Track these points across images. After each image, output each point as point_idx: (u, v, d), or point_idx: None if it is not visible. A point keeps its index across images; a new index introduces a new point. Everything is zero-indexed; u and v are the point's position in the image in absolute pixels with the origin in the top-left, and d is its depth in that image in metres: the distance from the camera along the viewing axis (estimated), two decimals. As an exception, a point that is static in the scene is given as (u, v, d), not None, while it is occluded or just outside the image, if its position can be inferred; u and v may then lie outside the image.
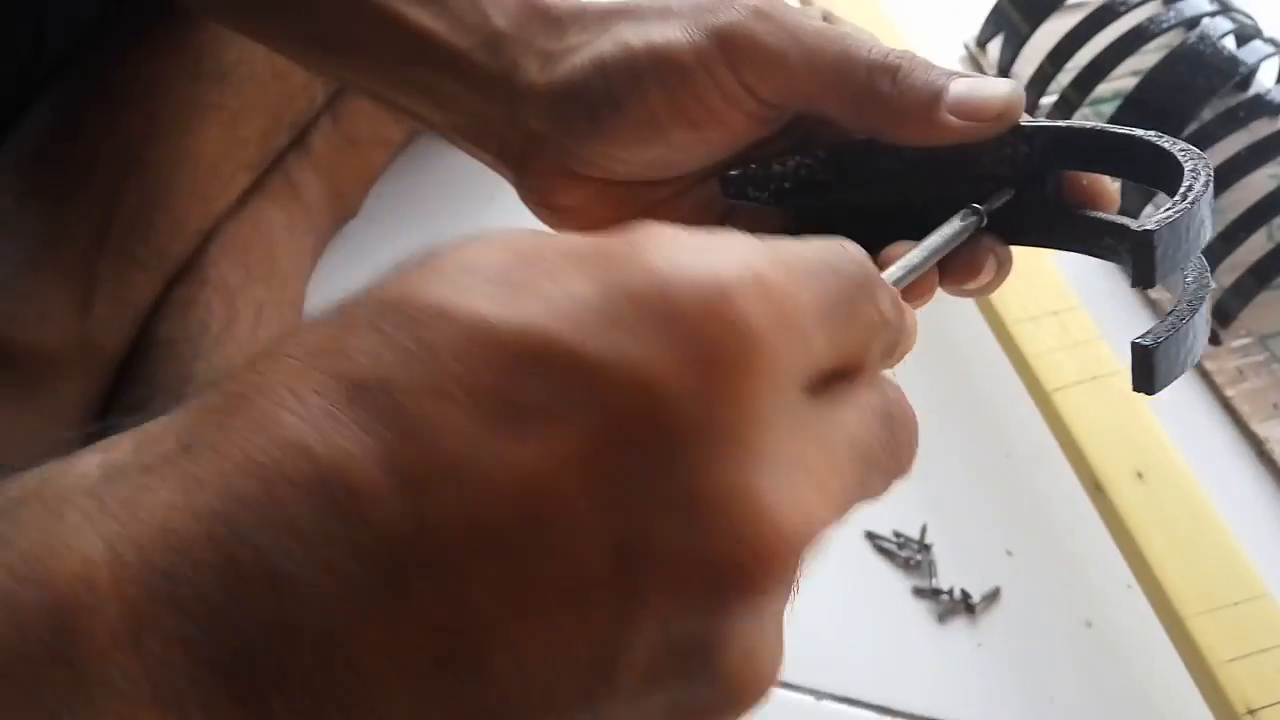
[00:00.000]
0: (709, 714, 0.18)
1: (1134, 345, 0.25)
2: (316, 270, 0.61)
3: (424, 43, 0.35)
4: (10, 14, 0.52)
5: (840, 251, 0.21)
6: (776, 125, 0.33)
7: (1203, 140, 0.58)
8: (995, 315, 0.52)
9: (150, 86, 0.52)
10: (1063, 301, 0.51)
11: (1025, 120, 0.31)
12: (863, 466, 0.20)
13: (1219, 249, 0.56)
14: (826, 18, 0.33)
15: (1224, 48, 0.60)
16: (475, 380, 0.17)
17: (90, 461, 0.17)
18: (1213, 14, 0.62)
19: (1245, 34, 0.62)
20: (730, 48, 0.31)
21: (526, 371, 0.17)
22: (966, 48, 0.72)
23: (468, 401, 0.17)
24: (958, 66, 0.71)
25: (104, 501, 0.17)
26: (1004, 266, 0.31)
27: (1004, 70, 0.69)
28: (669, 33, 0.31)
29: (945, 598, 0.47)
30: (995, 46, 0.70)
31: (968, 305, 0.55)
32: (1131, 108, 0.61)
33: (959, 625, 0.47)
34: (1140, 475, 0.45)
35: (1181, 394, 0.54)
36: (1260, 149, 0.57)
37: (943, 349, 0.56)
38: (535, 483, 0.16)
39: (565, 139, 0.33)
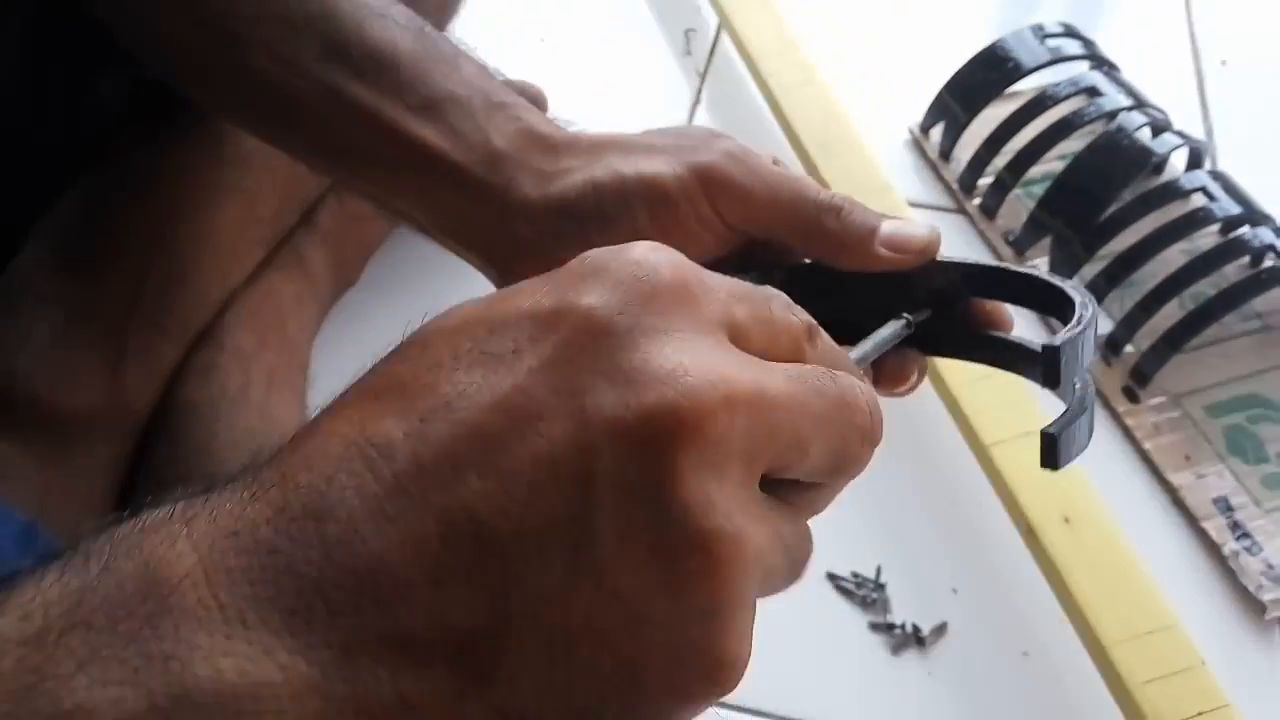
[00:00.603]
0: (682, 554, 0.21)
1: (1043, 433, 0.30)
2: (320, 335, 0.66)
3: (428, 156, 0.39)
4: (46, 100, 0.56)
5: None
6: (735, 246, 0.38)
7: (1122, 220, 0.65)
8: (940, 379, 0.57)
9: (176, 170, 0.56)
10: (999, 365, 0.57)
11: (945, 256, 0.37)
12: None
13: (1137, 317, 0.62)
14: (775, 161, 0.39)
15: (1139, 139, 0.67)
16: (458, 349, 0.22)
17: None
18: (1129, 109, 0.68)
19: (1158, 126, 0.68)
20: (708, 182, 0.37)
21: (498, 332, 0.22)
22: (911, 132, 0.78)
23: (451, 363, 0.22)
24: (903, 149, 0.78)
25: (184, 519, 0.22)
26: (922, 374, 0.37)
27: (945, 153, 0.75)
28: (655, 165, 0.37)
29: (898, 631, 0.52)
30: (937, 132, 0.76)
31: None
32: (1060, 190, 0.67)
33: (911, 657, 0.52)
34: (1068, 520, 0.50)
35: (1105, 446, 0.60)
36: (1172, 229, 0.63)
37: (895, 410, 0.62)
38: (507, 394, 0.21)
39: (552, 244, 0.38)
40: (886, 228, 0.36)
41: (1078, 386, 0.31)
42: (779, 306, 0.26)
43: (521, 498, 0.21)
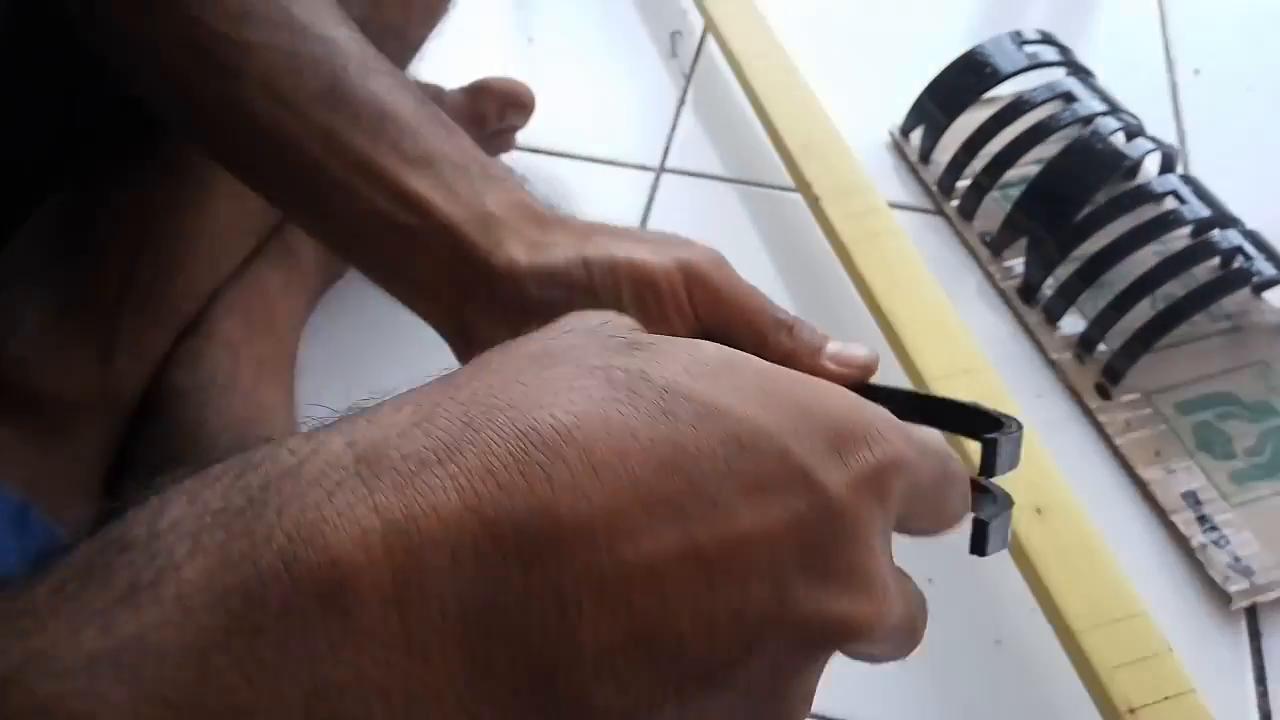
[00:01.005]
0: None
1: (975, 519, 0.32)
2: (308, 325, 0.66)
3: (419, 209, 0.39)
4: (43, 94, 0.56)
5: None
6: (697, 337, 0.40)
7: (1095, 221, 0.66)
8: (916, 372, 0.58)
9: (168, 162, 0.56)
10: (974, 361, 0.58)
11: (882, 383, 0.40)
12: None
13: (1109, 316, 0.63)
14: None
15: (1113, 143, 0.68)
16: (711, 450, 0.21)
17: (336, 443, 0.21)
18: (1104, 114, 0.70)
19: (1132, 131, 0.69)
20: (690, 276, 0.39)
21: (747, 454, 0.22)
22: (891, 135, 0.79)
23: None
24: (884, 151, 0.79)
25: (370, 482, 0.20)
26: None
27: (924, 156, 0.76)
28: (644, 253, 0.39)
29: (875, 620, 0.53)
30: (917, 136, 0.77)
31: (893, 365, 0.61)
32: (1035, 192, 0.69)
33: (887, 644, 0.53)
34: (1040, 511, 0.51)
35: (1077, 443, 0.61)
36: (1144, 230, 0.64)
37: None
38: (744, 535, 0.21)
39: (536, 308, 0.38)
40: (832, 347, 0.41)
41: (998, 496, 0.33)
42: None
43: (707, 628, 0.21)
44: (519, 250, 0.39)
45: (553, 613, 0.20)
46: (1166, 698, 0.45)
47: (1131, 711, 0.45)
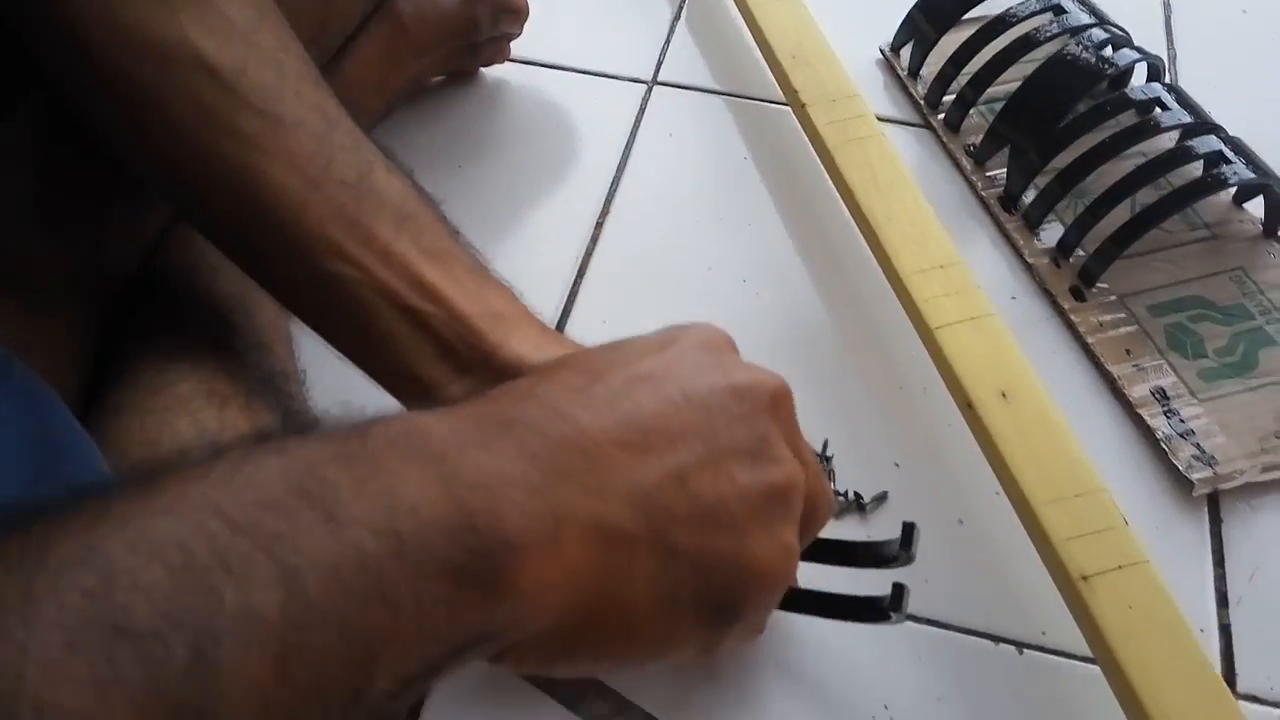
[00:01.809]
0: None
1: (895, 584, 0.44)
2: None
3: (434, 294, 0.42)
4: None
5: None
6: None
7: (1077, 129, 0.65)
8: (892, 268, 0.58)
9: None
10: (949, 258, 0.57)
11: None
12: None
13: (1086, 221, 0.63)
14: None
15: (1098, 53, 0.67)
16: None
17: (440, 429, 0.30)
18: (1091, 26, 0.69)
19: (1118, 42, 0.68)
20: None
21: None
22: (882, 51, 0.78)
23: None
24: (874, 68, 0.78)
25: (537, 473, 0.30)
26: None
27: (914, 71, 0.75)
28: None
29: (841, 499, 0.53)
30: (907, 51, 0.76)
31: (869, 260, 0.61)
32: (1018, 102, 0.68)
33: (852, 521, 0.53)
34: (1005, 395, 0.51)
35: (1048, 342, 0.61)
36: (1125, 136, 0.63)
37: (848, 297, 0.63)
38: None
39: None
40: None
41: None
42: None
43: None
44: (525, 347, 0.42)
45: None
46: (1120, 567, 0.45)
47: (1084, 579, 0.45)
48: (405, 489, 0.27)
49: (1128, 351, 0.59)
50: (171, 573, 0.22)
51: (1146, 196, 0.62)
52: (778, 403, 0.37)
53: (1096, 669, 0.45)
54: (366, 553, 0.25)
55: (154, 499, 0.23)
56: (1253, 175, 0.60)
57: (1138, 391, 0.57)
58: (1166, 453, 0.55)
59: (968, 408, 0.51)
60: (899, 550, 0.44)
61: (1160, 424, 0.56)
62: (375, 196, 0.43)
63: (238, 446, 0.26)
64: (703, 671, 0.48)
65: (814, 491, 0.39)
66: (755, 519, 0.35)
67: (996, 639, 0.50)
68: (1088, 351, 0.60)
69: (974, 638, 0.50)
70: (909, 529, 0.44)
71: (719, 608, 0.35)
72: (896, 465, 0.55)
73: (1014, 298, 0.63)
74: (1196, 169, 0.64)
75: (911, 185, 0.62)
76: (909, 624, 0.50)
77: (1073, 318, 0.61)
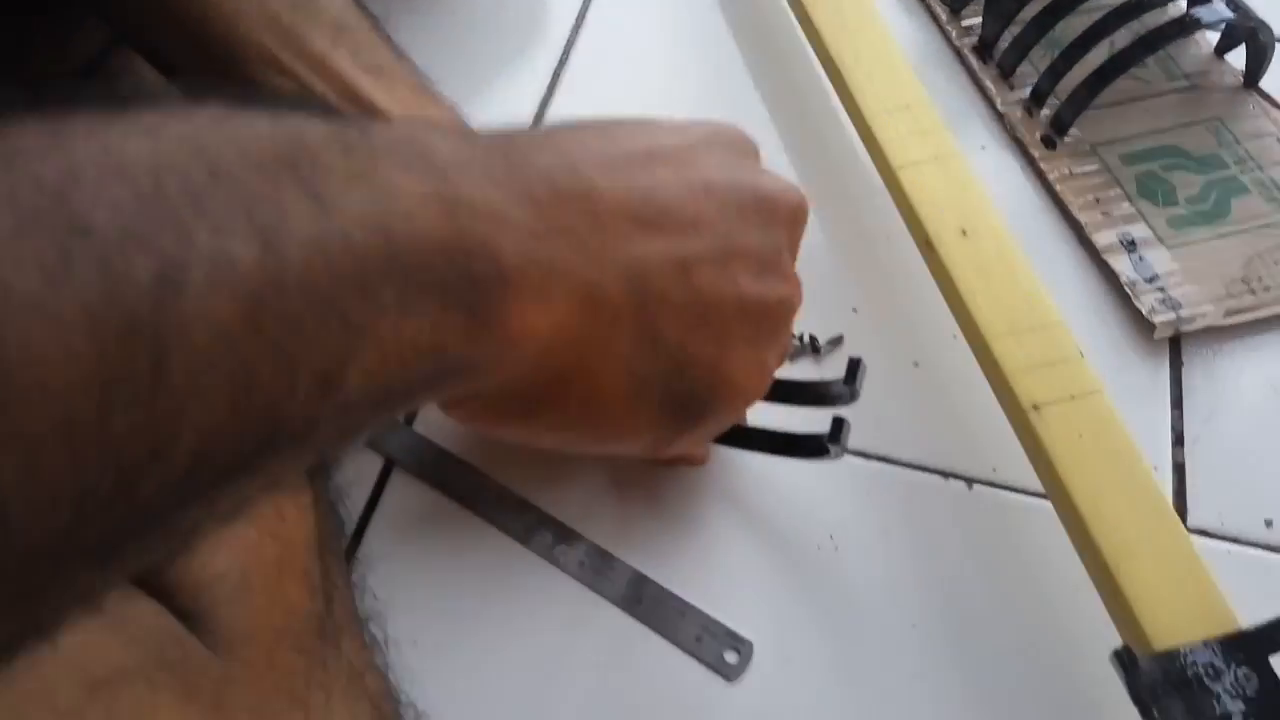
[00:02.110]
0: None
1: (835, 417, 0.43)
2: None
3: (368, 106, 0.41)
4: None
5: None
6: None
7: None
8: (858, 108, 0.55)
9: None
10: (915, 98, 0.55)
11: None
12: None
13: (1059, 67, 0.60)
14: None
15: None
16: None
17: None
18: None
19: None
20: None
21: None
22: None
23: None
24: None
25: (540, 222, 0.28)
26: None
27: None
28: None
29: (796, 342, 0.52)
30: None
31: (837, 110, 0.58)
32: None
33: (805, 363, 0.52)
34: (965, 233, 0.49)
35: (1016, 189, 0.59)
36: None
37: (814, 147, 0.61)
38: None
39: None
40: None
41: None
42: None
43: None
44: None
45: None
46: (1072, 397, 0.44)
47: (1035, 408, 0.44)
48: (402, 195, 0.24)
49: (1096, 199, 0.57)
50: (140, 198, 0.18)
51: (1123, 42, 0.60)
52: (795, 220, 0.36)
53: (1047, 504, 0.44)
54: (353, 241, 0.22)
55: (128, 121, 0.20)
56: (1231, 14, 0.57)
57: (1104, 238, 0.56)
58: (1130, 297, 0.53)
59: (926, 246, 0.50)
60: (844, 387, 0.43)
61: (1125, 269, 0.54)
62: (311, 7, 0.41)
63: (223, 99, 0.22)
64: (646, 502, 0.47)
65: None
66: (746, 329, 0.34)
67: (946, 474, 0.49)
68: (1056, 199, 0.58)
69: (923, 473, 0.49)
70: (854, 364, 0.42)
71: (683, 405, 0.34)
72: (854, 311, 0.54)
73: (983, 147, 0.61)
74: (1179, 10, 0.61)
75: (881, 25, 0.59)
76: (857, 460, 0.49)
77: (1042, 165, 0.59)
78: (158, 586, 0.32)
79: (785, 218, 0.35)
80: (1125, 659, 0.35)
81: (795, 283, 0.36)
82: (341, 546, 0.40)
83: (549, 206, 0.29)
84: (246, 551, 0.33)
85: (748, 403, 0.37)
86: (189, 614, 0.31)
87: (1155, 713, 0.34)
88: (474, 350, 0.26)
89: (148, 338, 0.17)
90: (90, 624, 0.29)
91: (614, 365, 0.31)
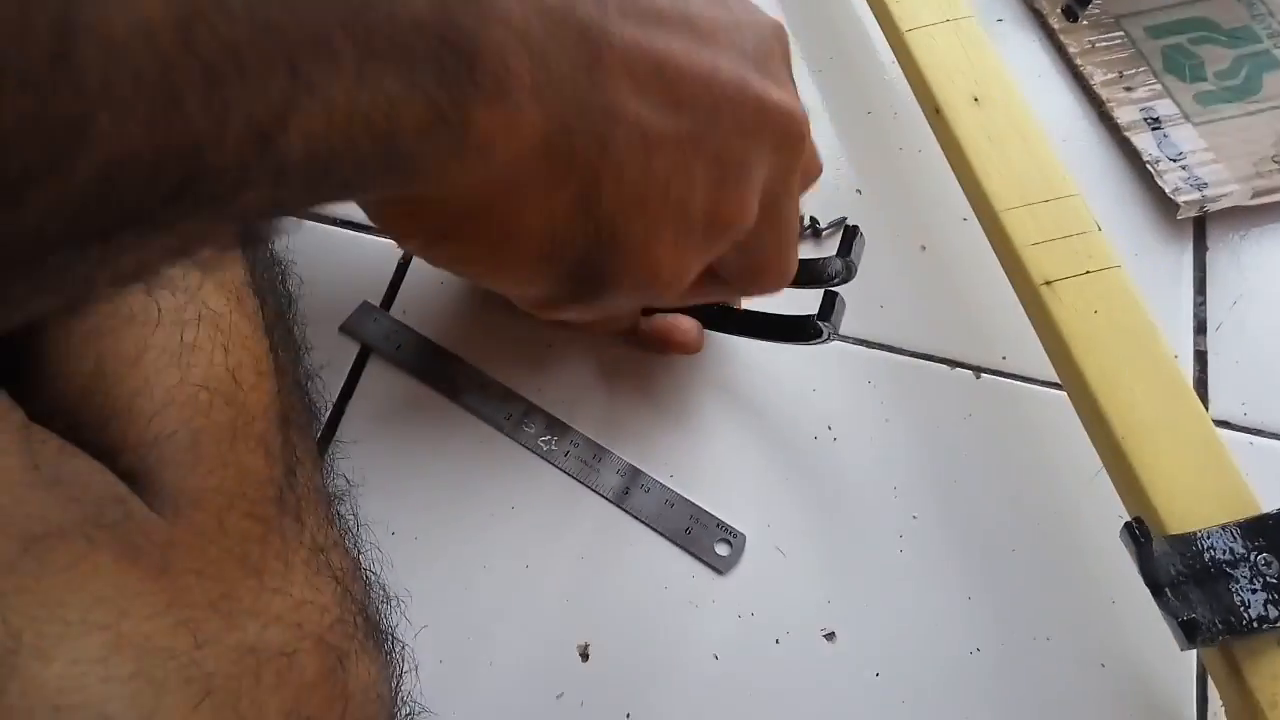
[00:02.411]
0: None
1: (827, 291, 0.40)
2: None
3: None
4: None
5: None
6: None
7: None
8: (864, -24, 0.52)
9: None
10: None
11: None
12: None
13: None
14: None
15: None
16: None
17: None
18: None
19: None
20: None
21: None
22: None
23: None
24: None
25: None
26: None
27: None
28: None
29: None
30: None
31: (842, -24, 0.54)
32: None
33: (806, 247, 0.49)
34: (977, 100, 0.46)
35: (1034, 65, 0.55)
36: None
37: (815, 8, 0.57)
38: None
39: None
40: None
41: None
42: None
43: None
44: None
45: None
46: (1087, 271, 0.41)
47: (1048, 284, 0.41)
48: None
49: (1119, 74, 0.53)
50: None
51: (1154, -94, 0.55)
52: (786, 146, 0.32)
53: (1060, 394, 0.41)
54: None
55: None
56: None
57: (1127, 115, 0.52)
58: (1153, 175, 0.50)
59: (935, 113, 0.46)
60: (839, 261, 0.39)
61: (1148, 146, 0.51)
62: None
63: None
64: (636, 393, 0.45)
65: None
66: (681, 228, 0.31)
67: (953, 363, 0.46)
68: (1076, 74, 0.54)
69: (928, 362, 0.46)
70: (850, 233, 0.39)
71: (588, 279, 0.31)
72: (859, 192, 0.51)
73: (1000, 20, 0.57)
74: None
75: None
76: (857, 348, 0.46)
77: (1063, 38, 0.55)
78: (100, 446, 0.29)
79: (774, 141, 0.31)
80: (1137, 532, 0.33)
81: (751, 209, 0.32)
82: (308, 422, 0.38)
83: (555, 25, 0.25)
84: (197, 413, 0.31)
85: (650, 299, 0.34)
86: (134, 474, 0.29)
87: (1169, 595, 0.32)
88: (425, 147, 0.23)
89: (52, 8, 0.15)
90: (27, 481, 0.27)
91: (539, 220, 0.28)
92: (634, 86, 0.28)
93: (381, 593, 0.36)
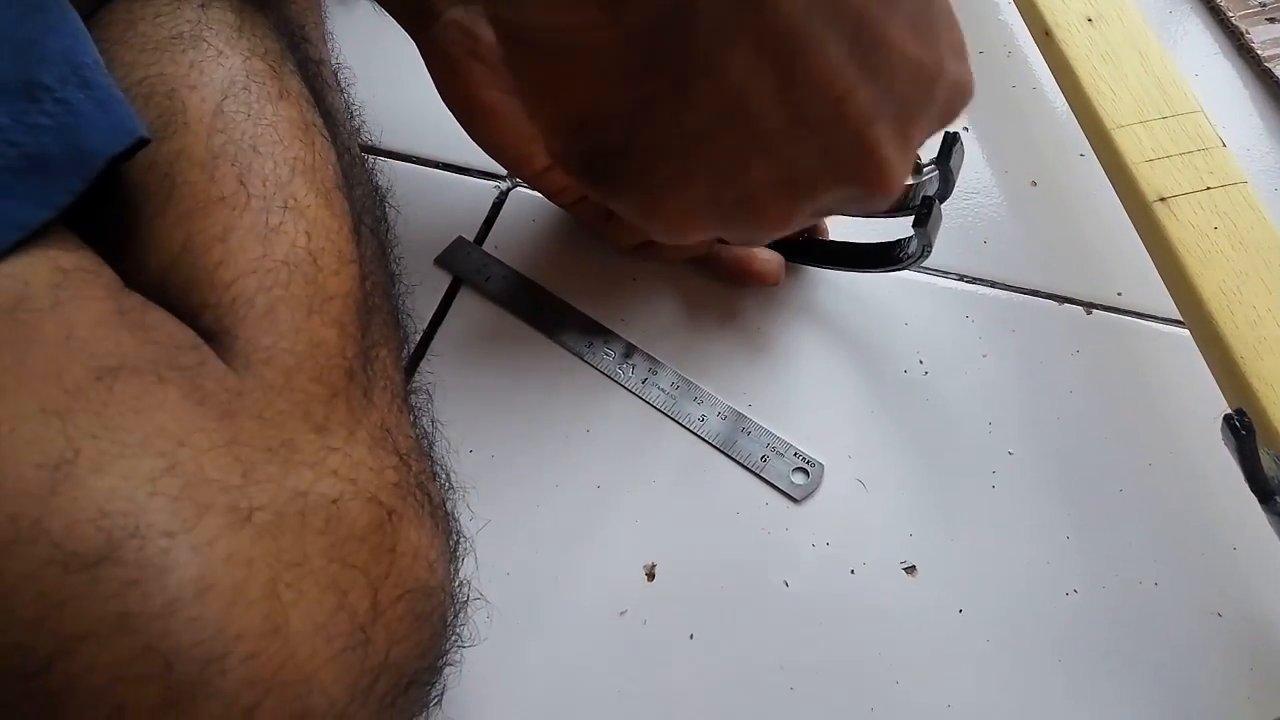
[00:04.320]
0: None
1: (925, 197, 0.36)
2: None
3: None
4: None
5: None
6: None
7: None
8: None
9: None
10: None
11: None
12: None
13: None
14: None
15: None
16: None
17: None
18: None
19: None
20: None
21: None
22: None
23: None
24: None
25: None
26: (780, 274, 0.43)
27: None
28: None
29: (895, 159, 0.46)
30: None
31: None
32: None
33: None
34: (1090, 20, 0.43)
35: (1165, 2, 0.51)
36: None
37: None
38: None
39: None
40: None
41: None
42: None
43: None
44: None
45: None
46: (1208, 188, 0.37)
47: (1162, 200, 0.37)
48: None
49: (1262, 4, 0.49)
50: None
51: None
52: (953, 108, 0.28)
53: (1183, 331, 0.38)
54: None
55: None
56: None
57: (1269, 47, 0.47)
58: (1296, 104, 0.45)
59: (1045, 36, 0.43)
60: (938, 163, 0.37)
61: (1293, 74, 0.46)
62: None
63: None
64: (720, 322, 0.43)
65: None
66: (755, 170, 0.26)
67: (1061, 299, 0.42)
68: (1212, 8, 0.50)
69: (1034, 297, 0.43)
70: (950, 138, 0.37)
71: (610, 167, 0.28)
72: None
73: (1129, -42, 0.53)
74: None
75: None
76: (956, 283, 0.43)
77: (1198, -28, 0.51)
78: (183, 309, 0.30)
79: (854, 193, 0.27)
80: (1238, 424, 0.29)
81: (789, 225, 0.28)
82: (392, 324, 0.38)
83: None
84: (276, 284, 0.31)
85: (647, 232, 0.30)
86: (210, 333, 0.30)
87: (1278, 500, 0.28)
88: None
89: None
90: (110, 321, 0.28)
91: (599, 89, 0.26)
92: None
93: (446, 480, 0.36)
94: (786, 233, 0.29)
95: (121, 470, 0.25)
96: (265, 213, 0.33)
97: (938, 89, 0.26)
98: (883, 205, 0.28)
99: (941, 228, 0.38)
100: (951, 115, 0.28)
